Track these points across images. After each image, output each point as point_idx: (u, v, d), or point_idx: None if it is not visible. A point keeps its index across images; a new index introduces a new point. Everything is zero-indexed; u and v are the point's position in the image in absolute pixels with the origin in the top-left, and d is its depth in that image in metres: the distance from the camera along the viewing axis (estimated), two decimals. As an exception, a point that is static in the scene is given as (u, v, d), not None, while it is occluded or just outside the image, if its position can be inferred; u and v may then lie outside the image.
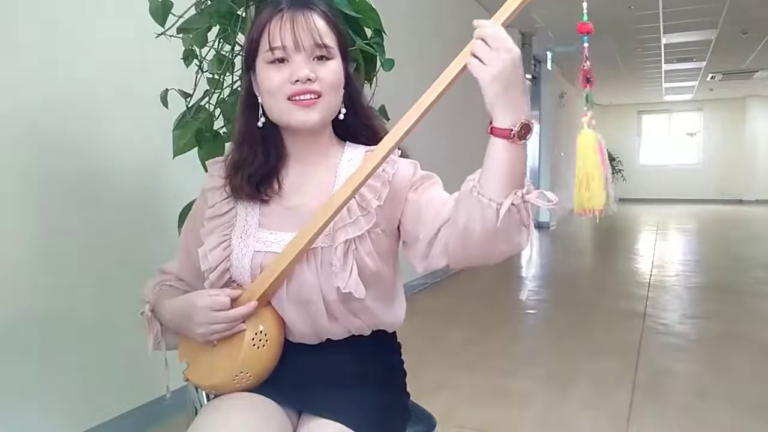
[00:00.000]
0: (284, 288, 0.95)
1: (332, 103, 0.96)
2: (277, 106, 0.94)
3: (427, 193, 0.95)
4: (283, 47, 0.92)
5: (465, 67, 0.80)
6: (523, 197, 0.80)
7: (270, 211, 0.99)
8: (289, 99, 0.93)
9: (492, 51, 0.77)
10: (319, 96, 0.93)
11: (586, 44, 0.81)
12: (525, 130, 0.78)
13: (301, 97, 0.93)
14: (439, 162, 1.73)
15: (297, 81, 0.92)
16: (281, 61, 0.93)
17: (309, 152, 1.01)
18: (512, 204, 0.79)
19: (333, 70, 0.95)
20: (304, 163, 1.01)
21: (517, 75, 0.78)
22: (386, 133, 1.02)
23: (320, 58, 0.94)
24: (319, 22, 0.94)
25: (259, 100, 0.97)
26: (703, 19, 6.75)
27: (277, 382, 0.98)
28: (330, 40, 0.95)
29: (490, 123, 0.79)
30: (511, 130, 0.78)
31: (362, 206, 0.94)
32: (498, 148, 0.79)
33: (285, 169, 1.01)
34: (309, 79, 0.92)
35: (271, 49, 0.92)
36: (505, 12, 0.81)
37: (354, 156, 1.02)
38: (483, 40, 0.78)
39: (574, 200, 0.81)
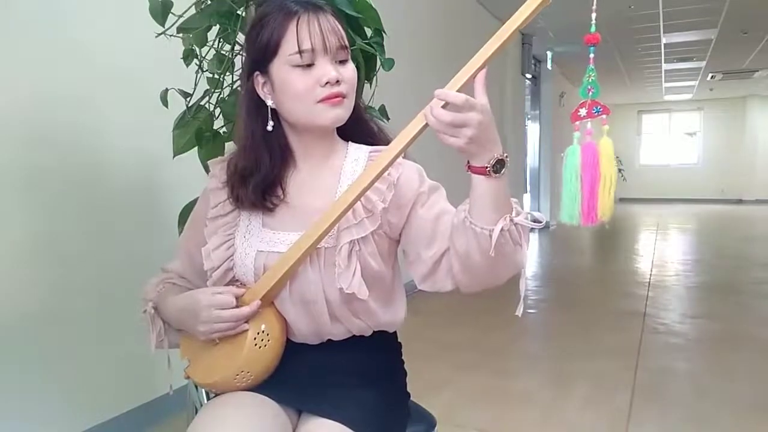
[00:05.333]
0: (287, 288, 0.95)
1: (353, 103, 0.97)
2: (304, 110, 0.93)
3: (435, 209, 0.95)
4: (313, 50, 0.91)
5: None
6: (512, 220, 0.84)
7: (274, 211, 0.99)
8: (318, 102, 0.92)
9: (456, 127, 0.78)
10: (345, 97, 0.94)
11: (592, 55, 0.81)
12: (499, 164, 0.81)
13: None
14: (444, 168, 1.73)
15: (327, 83, 0.91)
16: (309, 65, 0.91)
17: (315, 153, 1.00)
18: (503, 229, 0.83)
19: (353, 70, 0.96)
20: (308, 163, 1.01)
21: (488, 123, 0.78)
22: (382, 132, 1.02)
23: (342, 59, 0.94)
24: (336, 24, 0.94)
25: (269, 104, 0.96)
26: (703, 19, 6.74)
27: (278, 382, 0.98)
28: (346, 41, 0.95)
29: (468, 161, 0.82)
30: (486, 167, 0.81)
31: (367, 208, 0.94)
32: (479, 182, 0.83)
33: (289, 171, 1.01)
34: (337, 81, 0.92)
35: (300, 52, 0.90)
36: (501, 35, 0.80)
37: (359, 156, 1.01)
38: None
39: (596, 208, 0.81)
